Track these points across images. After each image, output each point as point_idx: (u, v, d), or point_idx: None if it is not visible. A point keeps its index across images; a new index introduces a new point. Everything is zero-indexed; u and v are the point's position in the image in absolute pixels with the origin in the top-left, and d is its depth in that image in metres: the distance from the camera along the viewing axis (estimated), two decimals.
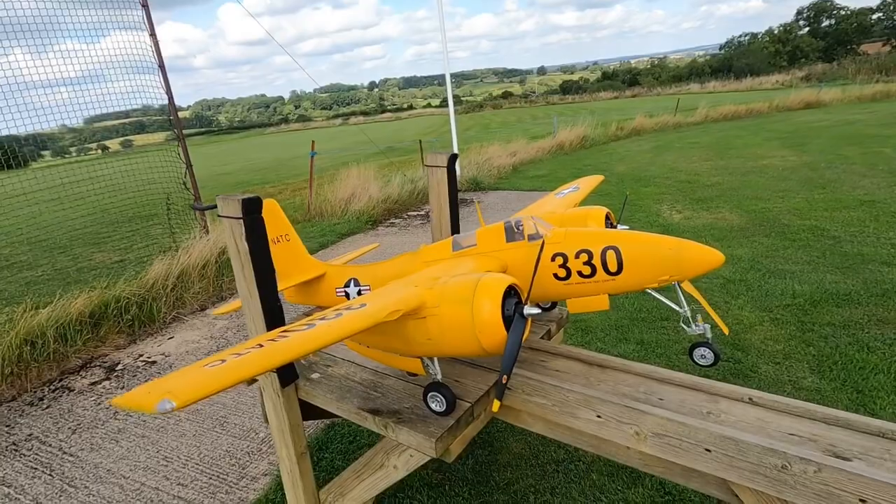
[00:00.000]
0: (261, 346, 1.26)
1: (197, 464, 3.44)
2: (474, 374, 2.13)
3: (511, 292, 1.59)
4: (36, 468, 3.53)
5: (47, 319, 4.84)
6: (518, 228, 2.03)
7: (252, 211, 1.87)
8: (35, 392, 4.58)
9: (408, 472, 1.97)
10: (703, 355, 1.91)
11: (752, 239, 6.70)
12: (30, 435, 3.94)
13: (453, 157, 2.90)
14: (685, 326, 1.91)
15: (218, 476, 3.30)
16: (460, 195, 11.67)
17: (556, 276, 1.92)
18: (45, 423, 4.10)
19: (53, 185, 7.15)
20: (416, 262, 2.33)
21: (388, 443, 2.01)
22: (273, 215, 3.04)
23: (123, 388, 4.59)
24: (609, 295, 1.91)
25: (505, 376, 1.46)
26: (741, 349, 4.16)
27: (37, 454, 3.69)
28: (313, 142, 10.43)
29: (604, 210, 2.36)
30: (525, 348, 2.31)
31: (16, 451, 3.75)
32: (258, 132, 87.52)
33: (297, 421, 2.18)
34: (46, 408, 4.34)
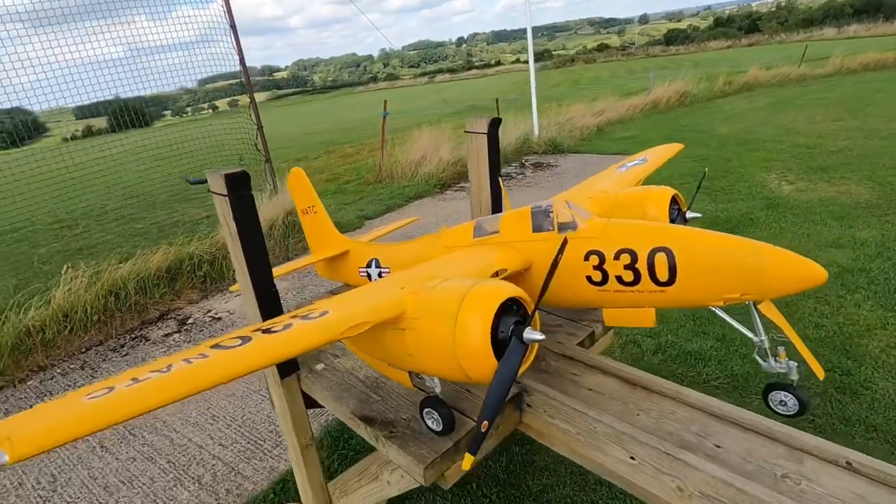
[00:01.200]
0: (170, 367, 1.05)
1: (239, 426, 3.53)
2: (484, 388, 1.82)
3: (512, 307, 1.24)
4: None
5: (129, 273, 5.21)
6: (548, 215, 1.63)
7: (238, 187, 1.66)
8: (118, 339, 5.00)
9: (401, 492, 1.75)
10: (784, 402, 1.44)
11: (883, 219, 5.53)
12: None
13: (495, 122, 2.50)
14: (760, 360, 1.44)
15: (256, 441, 3.36)
16: (537, 158, 11.01)
17: (589, 279, 1.53)
18: (122, 369, 4.46)
19: (169, 143, 7.70)
20: (436, 247, 2.03)
21: (383, 454, 1.80)
22: (301, 186, 2.88)
23: (190, 342, 4.86)
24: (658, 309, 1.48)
25: (485, 422, 1.14)
26: (853, 357, 3.43)
27: None
28: (385, 101, 10.24)
29: (669, 192, 1.87)
30: (557, 355, 1.95)
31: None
32: (348, 91, 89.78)
33: (299, 411, 2.03)
34: (125, 355, 4.71)
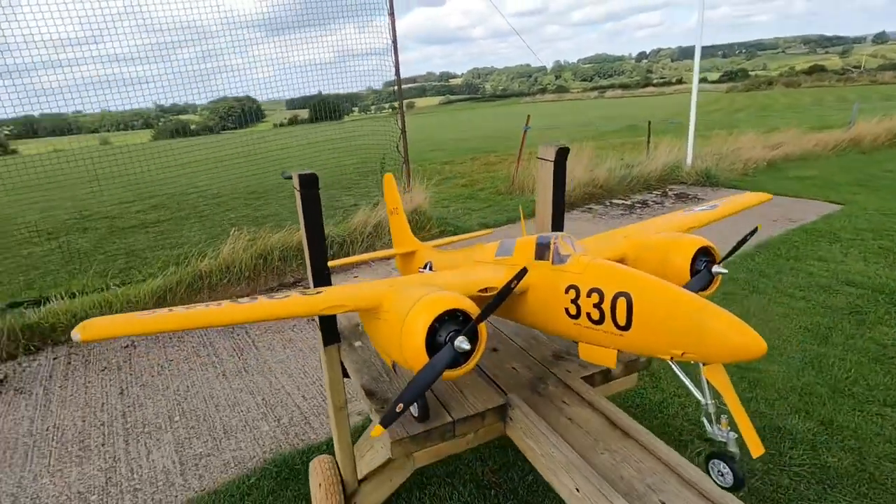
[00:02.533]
0: (207, 306, 1.46)
1: (321, 385, 4.11)
2: (482, 389, 1.97)
3: (459, 317, 1.40)
4: (234, 350, 4.77)
5: (277, 242, 6.30)
6: (548, 247, 1.73)
7: (308, 186, 2.08)
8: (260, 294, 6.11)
9: (384, 461, 1.99)
10: (721, 472, 1.34)
11: None
12: (241, 326, 5.32)
13: (563, 151, 2.58)
14: (706, 423, 1.37)
15: None
16: (683, 189, 10.19)
17: (567, 311, 1.59)
18: None
19: (344, 136, 8.99)
20: (469, 259, 2.23)
21: None
22: (389, 190, 3.29)
23: None
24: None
25: (401, 405, 1.33)
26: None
27: (238, 341, 4.96)
28: (528, 116, 10.44)
29: (698, 242, 1.80)
30: (558, 381, 2.01)
31: (230, 334, 5.11)
32: (514, 101, 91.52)
33: (336, 377, 2.41)
34: None
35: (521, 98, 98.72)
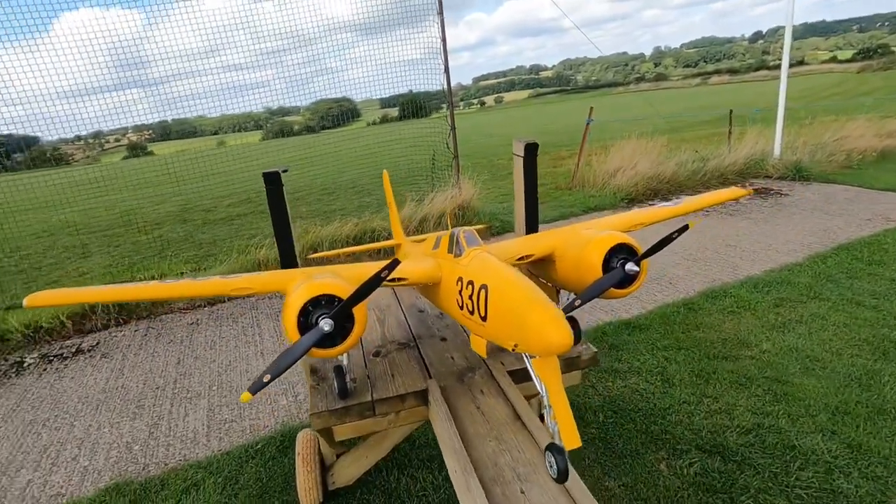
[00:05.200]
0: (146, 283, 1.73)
1: None
2: (412, 373, 2.08)
3: (334, 302, 1.53)
4: (275, 331, 5.26)
5: (327, 234, 6.78)
6: (457, 242, 1.78)
7: (271, 182, 2.32)
8: None
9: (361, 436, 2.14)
10: (550, 464, 1.31)
11: None
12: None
13: (531, 147, 2.58)
14: (545, 414, 1.35)
15: None
16: (766, 183, 9.26)
17: (457, 301, 1.65)
18: None
19: (423, 134, 9.18)
20: (420, 249, 2.34)
21: None
22: (386, 185, 3.47)
23: None
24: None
25: (268, 375, 1.47)
26: None
27: (279, 323, 5.45)
28: (591, 108, 10.06)
29: (613, 239, 1.73)
30: (486, 372, 2.06)
31: (276, 317, 5.62)
32: (605, 92, 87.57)
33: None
34: None
35: (613, 88, 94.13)
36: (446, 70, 7.49)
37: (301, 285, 1.56)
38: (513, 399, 1.85)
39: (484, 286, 1.48)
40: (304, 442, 2.84)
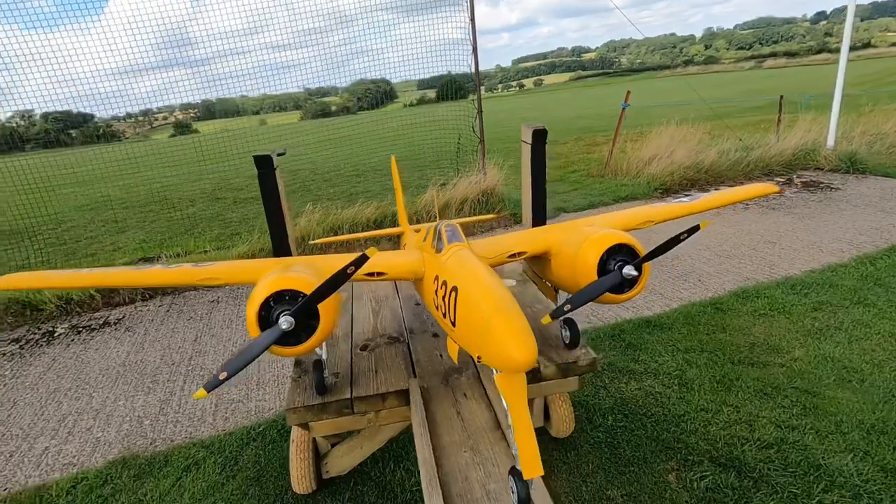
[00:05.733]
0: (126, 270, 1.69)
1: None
2: (396, 371, 1.99)
3: (298, 298, 1.43)
4: None
5: (347, 217, 6.75)
6: (440, 237, 1.65)
7: (263, 166, 2.24)
8: None
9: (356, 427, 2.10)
10: (512, 489, 1.17)
11: None
12: None
13: (539, 133, 2.40)
14: (509, 434, 1.21)
15: None
16: (815, 176, 8.65)
17: (433, 301, 1.52)
18: None
19: (454, 116, 8.98)
20: (417, 239, 2.22)
21: None
22: (394, 171, 3.35)
23: None
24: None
25: (224, 373, 1.39)
26: None
27: None
28: (628, 92, 9.59)
29: (610, 239, 1.55)
30: (473, 375, 1.94)
31: None
32: (650, 75, 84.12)
33: None
34: None
35: (658, 72, 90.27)
36: (474, 50, 7.25)
37: (266, 278, 1.48)
38: (496, 405, 1.73)
39: (455, 288, 1.35)
40: (299, 431, 2.82)
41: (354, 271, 1.35)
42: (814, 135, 9.48)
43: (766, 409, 3.17)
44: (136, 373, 4.36)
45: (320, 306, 1.44)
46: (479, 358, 1.26)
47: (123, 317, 5.62)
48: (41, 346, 5.10)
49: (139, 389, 4.09)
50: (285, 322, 1.38)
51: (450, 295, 1.39)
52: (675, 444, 2.97)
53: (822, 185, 8.07)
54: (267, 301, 1.44)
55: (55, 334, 5.32)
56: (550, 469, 2.84)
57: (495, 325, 1.16)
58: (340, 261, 1.85)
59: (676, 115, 10.98)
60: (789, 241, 5.96)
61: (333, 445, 2.79)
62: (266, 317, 1.44)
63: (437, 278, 1.52)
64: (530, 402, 2.85)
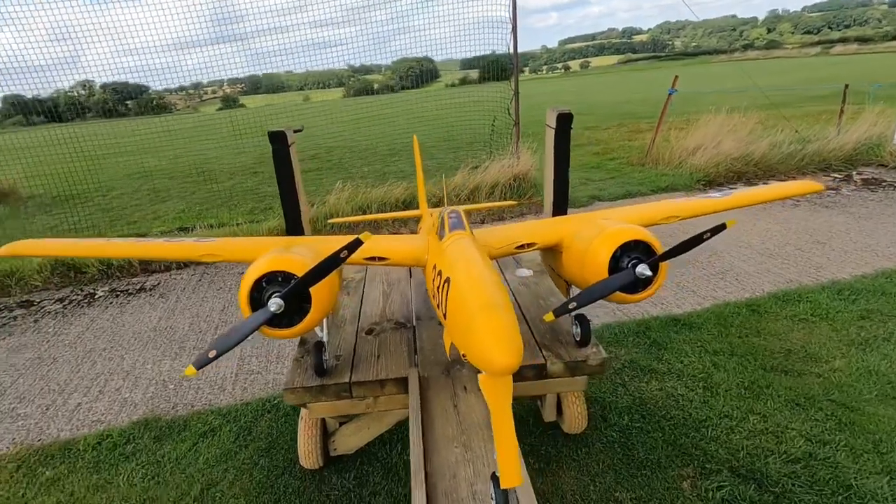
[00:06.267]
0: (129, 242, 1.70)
1: None
2: (398, 358, 1.95)
3: (292, 280, 1.39)
4: None
5: (376, 197, 6.75)
6: (442, 221, 1.58)
7: (277, 142, 2.21)
8: None
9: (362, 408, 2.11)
10: (491, 496, 1.10)
11: None
12: None
13: (564, 117, 2.27)
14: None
15: None
16: (878, 172, 8.03)
17: (431, 290, 1.46)
18: None
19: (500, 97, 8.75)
20: (428, 223, 2.16)
21: None
22: (416, 150, 3.28)
23: None
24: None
25: (213, 351, 1.37)
26: None
27: None
28: (676, 77, 9.10)
29: (624, 234, 1.44)
30: (475, 369, 1.88)
31: None
32: (704, 60, 79.97)
33: None
34: None
35: (714, 56, 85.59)
36: (513, 29, 7.01)
37: (262, 258, 1.46)
38: None
39: (448, 279, 1.29)
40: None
41: (347, 256, 1.31)
42: (880, 128, 8.77)
43: (796, 421, 2.99)
44: (166, 338, 4.53)
45: (313, 290, 1.40)
46: (464, 356, 1.20)
47: (158, 283, 5.84)
48: (82, 306, 5.37)
49: (167, 354, 4.25)
50: (274, 304, 1.36)
51: (443, 286, 1.32)
52: (692, 449, 2.84)
53: (884, 184, 7.48)
54: (259, 281, 1.42)
55: (95, 297, 5.59)
56: (559, 465, 2.77)
57: (479, 323, 1.09)
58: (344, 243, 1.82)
59: (728, 102, 10.36)
60: (841, 242, 5.56)
61: (341, 424, 2.81)
62: (259, 298, 1.43)
63: (434, 267, 1.45)
64: (542, 396, 2.77)
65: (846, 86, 9.04)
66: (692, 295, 4.56)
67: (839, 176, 7.99)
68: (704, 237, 1.38)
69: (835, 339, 3.77)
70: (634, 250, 1.48)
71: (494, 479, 1.20)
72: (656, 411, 3.14)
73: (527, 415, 3.13)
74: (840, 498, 2.48)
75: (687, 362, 3.58)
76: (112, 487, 2.85)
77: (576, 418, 2.77)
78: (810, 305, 4.22)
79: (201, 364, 1.40)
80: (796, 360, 3.54)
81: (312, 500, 2.64)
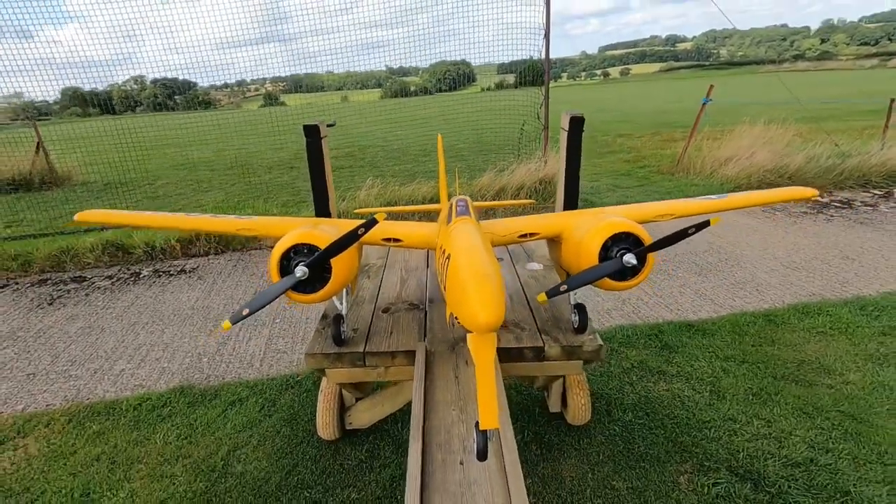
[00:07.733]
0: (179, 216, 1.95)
1: None
2: (409, 332, 2.13)
3: (315, 252, 1.59)
4: None
5: (404, 194, 6.98)
6: (452, 208, 1.75)
7: (311, 135, 2.44)
8: None
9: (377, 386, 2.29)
10: (474, 438, 1.25)
11: None
12: None
13: (577, 121, 2.41)
14: None
15: None
16: None
17: (437, 269, 1.63)
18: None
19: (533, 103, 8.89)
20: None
21: None
22: (440, 149, 3.47)
23: None
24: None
25: (247, 310, 1.57)
26: None
27: None
28: (711, 86, 9.01)
29: (615, 227, 1.57)
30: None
31: None
32: (751, 70, 77.47)
33: None
34: None
35: (761, 66, 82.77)
36: (546, 35, 7.13)
37: (292, 232, 1.66)
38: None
39: (449, 256, 1.46)
40: (327, 381, 3.07)
41: (364, 233, 1.50)
42: None
43: (801, 428, 3.02)
44: (202, 316, 4.86)
45: (333, 261, 1.60)
46: (456, 318, 1.36)
47: (198, 266, 6.22)
48: (128, 284, 5.79)
49: (202, 331, 4.57)
50: (300, 271, 1.57)
51: (445, 261, 1.49)
52: (693, 448, 2.92)
53: None
54: (288, 252, 1.63)
55: (140, 276, 6.01)
56: (560, 452, 2.90)
57: (469, 288, 1.25)
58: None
59: (768, 114, 10.17)
60: (871, 258, 5.45)
61: (358, 400, 3.02)
62: (287, 266, 1.64)
63: (441, 248, 1.63)
64: (548, 385, 2.91)
65: (892, 100, 8.75)
66: (710, 303, 4.58)
67: (878, 192, 7.76)
68: (689, 232, 1.51)
69: (852, 352, 3.75)
70: (625, 242, 1.62)
71: (476, 426, 1.37)
72: (661, 410, 3.22)
73: (533, 405, 3.27)
74: (836, 502, 2.52)
75: (696, 366, 3.64)
76: (149, 443, 3.14)
77: (580, 409, 2.89)
78: (830, 319, 4.19)
79: (236, 320, 1.61)
80: (809, 371, 3.55)
81: (327, 467, 2.86)
